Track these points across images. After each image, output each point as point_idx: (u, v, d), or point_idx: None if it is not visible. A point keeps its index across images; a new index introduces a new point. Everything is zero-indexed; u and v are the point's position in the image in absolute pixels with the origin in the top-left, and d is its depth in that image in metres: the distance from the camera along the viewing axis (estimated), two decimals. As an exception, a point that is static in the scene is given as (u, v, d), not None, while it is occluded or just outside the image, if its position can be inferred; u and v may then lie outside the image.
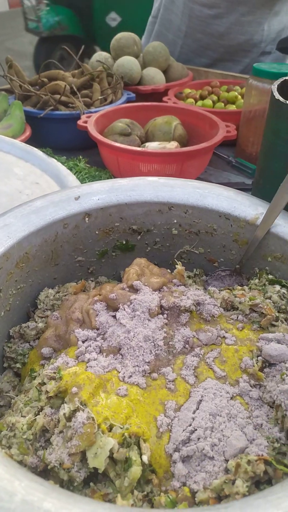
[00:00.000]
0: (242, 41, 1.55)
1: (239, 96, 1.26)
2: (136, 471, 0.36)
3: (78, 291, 0.58)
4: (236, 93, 1.26)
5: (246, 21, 1.49)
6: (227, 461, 0.37)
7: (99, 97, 1.20)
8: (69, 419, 0.39)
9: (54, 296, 0.57)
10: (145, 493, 0.37)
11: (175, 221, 0.61)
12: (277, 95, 0.55)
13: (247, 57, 1.59)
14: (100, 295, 0.52)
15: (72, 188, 0.60)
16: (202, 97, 1.29)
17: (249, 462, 0.36)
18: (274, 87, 0.58)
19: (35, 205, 0.55)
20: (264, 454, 0.36)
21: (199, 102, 1.26)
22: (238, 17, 1.48)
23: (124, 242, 0.63)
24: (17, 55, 1.32)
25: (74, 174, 0.90)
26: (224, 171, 1.11)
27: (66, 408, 0.39)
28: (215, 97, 1.27)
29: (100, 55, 1.37)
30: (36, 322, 0.54)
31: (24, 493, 0.28)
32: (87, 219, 0.59)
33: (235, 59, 1.60)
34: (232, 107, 1.22)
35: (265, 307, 0.48)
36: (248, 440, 0.38)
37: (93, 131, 0.95)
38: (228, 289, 0.54)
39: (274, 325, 0.48)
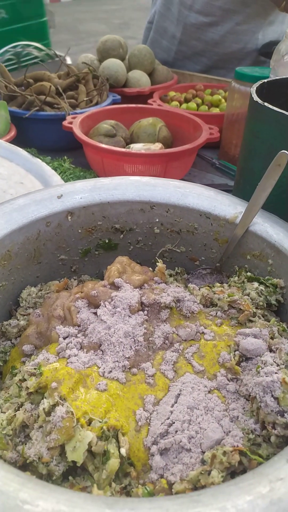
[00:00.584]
0: (236, 49, 1.57)
1: (223, 100, 1.27)
2: (114, 463, 0.36)
3: (60, 289, 0.58)
4: (220, 97, 1.28)
5: (241, 29, 1.51)
6: (203, 452, 0.38)
7: (85, 99, 1.20)
8: (48, 413, 0.39)
9: (36, 294, 0.57)
10: (123, 485, 0.37)
11: (157, 220, 0.62)
12: (256, 97, 0.57)
13: (241, 65, 1.61)
14: (81, 292, 0.53)
15: (54, 186, 0.60)
16: (187, 100, 1.31)
17: (224, 453, 0.36)
18: (253, 89, 0.59)
19: (17, 203, 0.56)
20: (239, 445, 0.37)
21: (184, 105, 1.28)
22: (233, 26, 1.50)
23: (107, 241, 0.64)
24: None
25: (59, 175, 0.90)
26: (208, 172, 1.12)
27: (45, 403, 0.39)
28: (199, 100, 1.29)
29: (86, 57, 1.38)
30: (18, 320, 0.54)
31: (0, 484, 0.29)
32: (69, 217, 0.59)
33: (229, 67, 1.62)
34: (216, 110, 1.24)
35: (243, 303, 0.49)
36: (224, 432, 0.39)
37: (78, 132, 0.96)
38: (208, 286, 0.55)
39: (251, 321, 0.49)
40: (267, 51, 1.46)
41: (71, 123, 1.01)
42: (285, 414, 0.37)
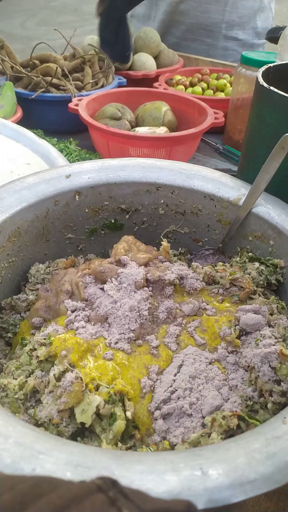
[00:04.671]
0: (201, 20, 1.56)
1: (228, 84, 1.27)
2: (120, 424, 0.39)
3: (67, 266, 0.60)
4: (225, 81, 1.28)
5: None
6: (204, 417, 0.40)
7: (90, 81, 1.20)
8: (58, 379, 0.41)
9: (44, 270, 0.59)
10: (128, 445, 0.40)
11: (162, 201, 0.64)
12: (262, 81, 0.58)
13: (210, 37, 1.60)
14: (89, 269, 0.55)
15: (63, 166, 0.62)
16: (192, 84, 1.31)
17: (224, 417, 0.39)
18: (259, 73, 0.60)
19: (27, 181, 0.57)
20: (238, 411, 0.40)
21: (189, 89, 1.28)
22: None
23: (112, 221, 0.65)
24: (7, 37, 1.31)
25: (65, 156, 0.91)
26: (212, 157, 1.13)
27: (56, 370, 0.42)
28: (204, 85, 1.29)
29: (92, 39, 1.37)
30: (27, 294, 0.56)
31: (17, 436, 0.31)
32: (77, 197, 0.61)
33: (197, 39, 1.62)
34: (221, 95, 1.24)
35: (244, 281, 0.51)
36: (223, 399, 0.42)
37: (84, 115, 0.97)
38: (211, 265, 0.57)
39: (252, 298, 0.51)
40: (273, 36, 1.45)
41: (77, 105, 1.01)
42: (282, 383, 0.40)
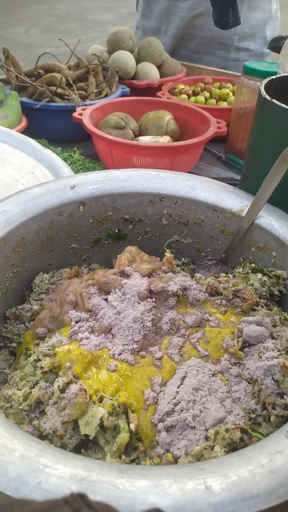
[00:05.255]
0: (214, 33, 1.58)
1: (231, 94, 1.28)
2: (124, 437, 0.39)
3: (71, 276, 0.61)
4: (228, 91, 1.29)
5: None
6: (207, 430, 0.41)
7: (94, 90, 1.21)
8: (62, 391, 0.42)
9: (48, 280, 0.60)
10: (131, 458, 0.40)
11: (166, 211, 0.64)
12: (264, 94, 0.58)
13: (222, 49, 1.62)
14: (93, 279, 0.55)
15: (67, 177, 0.63)
16: (195, 93, 1.32)
17: (227, 430, 0.39)
18: (262, 85, 0.61)
19: (32, 192, 0.58)
20: (241, 423, 0.40)
21: (192, 98, 1.29)
22: (210, 7, 1.51)
23: (116, 231, 0.66)
24: (11, 44, 1.33)
25: (69, 166, 0.92)
26: (214, 166, 1.14)
27: (60, 381, 0.42)
28: (207, 94, 1.30)
29: (95, 48, 1.39)
30: (31, 304, 0.57)
31: (23, 450, 0.31)
32: (81, 207, 0.61)
33: (210, 52, 1.63)
34: (224, 104, 1.25)
35: (247, 292, 0.51)
36: (227, 411, 0.42)
37: (88, 124, 0.98)
38: (214, 276, 0.57)
39: (254, 310, 0.51)
40: (276, 45, 1.46)
41: (81, 114, 1.02)
42: (285, 396, 0.40)
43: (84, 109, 1.05)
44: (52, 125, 1.16)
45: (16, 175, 0.83)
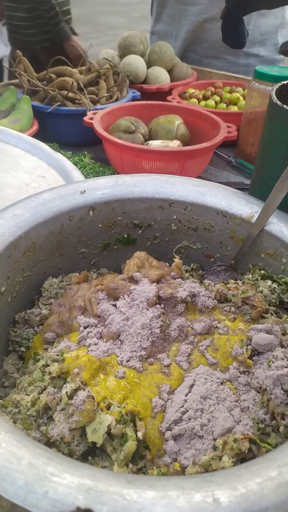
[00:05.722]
0: None
1: (241, 98, 1.28)
2: (131, 445, 0.39)
3: (80, 281, 0.61)
4: (238, 95, 1.29)
5: None
6: (215, 439, 0.40)
7: (105, 95, 1.22)
8: (70, 397, 0.42)
9: (58, 285, 0.60)
10: (139, 466, 0.40)
11: (175, 217, 0.64)
12: (275, 99, 0.58)
13: (231, 54, 1.61)
14: (101, 285, 0.55)
15: (78, 182, 0.63)
16: (205, 98, 1.32)
17: (235, 440, 0.39)
18: (273, 91, 0.61)
19: (43, 197, 0.58)
20: (249, 434, 0.39)
21: (202, 102, 1.29)
22: (219, 12, 1.51)
23: (125, 236, 0.66)
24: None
25: (79, 169, 0.92)
26: (224, 170, 1.13)
27: (68, 387, 0.42)
28: (217, 98, 1.30)
29: (107, 53, 1.40)
30: (40, 308, 0.57)
31: (31, 458, 0.31)
32: (91, 212, 0.61)
33: (219, 56, 1.63)
34: (234, 108, 1.25)
35: (256, 300, 0.51)
36: (235, 421, 0.41)
37: (99, 128, 0.98)
38: (223, 282, 0.57)
39: (264, 317, 0.51)
40: (287, 49, 1.45)
41: (91, 118, 1.03)
42: (294, 406, 0.39)
43: (94, 113, 1.05)
44: (63, 129, 1.17)
45: (27, 178, 0.84)
